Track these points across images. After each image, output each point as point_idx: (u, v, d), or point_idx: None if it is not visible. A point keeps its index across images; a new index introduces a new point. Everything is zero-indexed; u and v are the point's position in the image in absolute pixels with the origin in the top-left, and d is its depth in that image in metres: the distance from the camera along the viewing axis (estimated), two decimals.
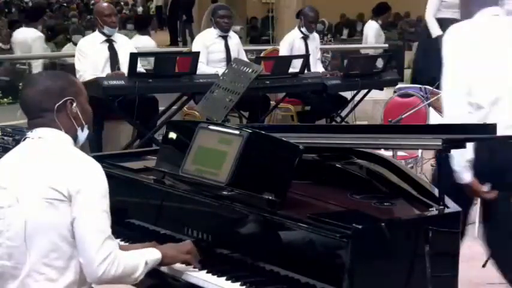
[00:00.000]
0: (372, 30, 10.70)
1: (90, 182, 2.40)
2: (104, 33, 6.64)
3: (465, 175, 3.27)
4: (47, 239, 2.38)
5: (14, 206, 2.41)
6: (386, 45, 10.45)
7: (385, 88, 7.80)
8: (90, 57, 6.53)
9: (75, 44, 8.33)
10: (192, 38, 9.68)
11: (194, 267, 2.69)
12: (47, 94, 2.49)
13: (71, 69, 6.91)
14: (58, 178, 2.38)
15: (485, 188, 3.31)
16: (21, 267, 2.41)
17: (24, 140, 2.53)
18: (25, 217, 2.39)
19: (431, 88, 6.36)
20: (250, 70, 5.25)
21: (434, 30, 7.80)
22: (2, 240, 2.44)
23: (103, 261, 2.37)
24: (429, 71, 6.68)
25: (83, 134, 2.58)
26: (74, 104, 2.52)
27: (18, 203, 2.40)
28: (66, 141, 2.50)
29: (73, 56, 6.92)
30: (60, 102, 2.49)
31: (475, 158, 3.24)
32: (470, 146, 3.19)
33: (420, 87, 6.57)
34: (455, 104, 3.32)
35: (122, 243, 2.92)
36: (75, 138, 2.55)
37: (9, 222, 2.42)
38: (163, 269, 2.68)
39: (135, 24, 11.11)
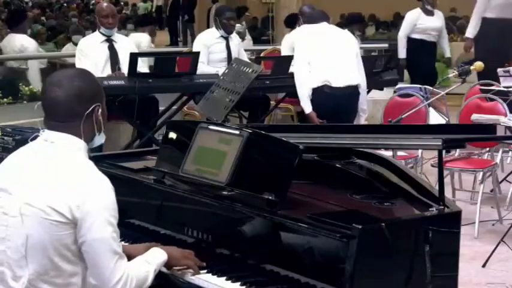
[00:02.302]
0: None
1: (99, 203, 2.30)
2: (102, 33, 6.64)
3: (306, 106, 6.00)
4: (47, 258, 2.31)
5: (17, 217, 2.34)
6: (387, 45, 10.43)
7: (385, 88, 7.79)
8: (91, 56, 6.53)
9: (75, 44, 8.34)
10: (194, 38, 9.71)
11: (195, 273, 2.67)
12: (80, 99, 2.38)
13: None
14: (61, 199, 2.27)
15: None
16: (18, 281, 2.36)
17: (35, 138, 2.45)
18: (27, 232, 2.32)
19: (431, 88, 6.37)
20: (250, 70, 5.26)
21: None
22: (3, 248, 2.38)
23: (117, 283, 2.33)
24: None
25: (99, 138, 2.49)
26: (100, 110, 2.44)
27: (20, 217, 2.33)
28: (79, 149, 2.40)
29: (73, 56, 6.92)
30: (90, 110, 2.40)
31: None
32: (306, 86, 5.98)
33: (420, 87, 6.58)
34: (300, 69, 6.01)
35: (123, 243, 2.92)
36: (89, 142, 2.46)
37: (11, 233, 2.36)
38: (164, 268, 2.68)
39: None
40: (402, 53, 9.07)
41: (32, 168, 2.38)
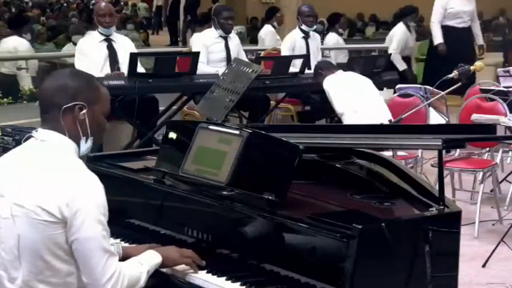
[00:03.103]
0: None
1: (88, 202, 2.29)
2: (100, 33, 6.65)
3: None
4: (40, 258, 2.31)
5: (9, 219, 2.34)
6: (387, 45, 10.42)
7: (385, 88, 7.79)
8: (90, 56, 6.52)
9: (75, 44, 8.34)
10: None
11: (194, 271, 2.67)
12: (60, 91, 2.38)
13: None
14: (51, 198, 2.28)
15: None
16: (14, 282, 2.35)
17: (28, 138, 2.45)
18: (18, 233, 2.32)
19: (431, 88, 6.36)
20: (250, 70, 5.26)
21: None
22: None
23: (108, 281, 2.32)
24: None
25: (85, 145, 2.46)
26: (84, 111, 2.40)
27: (12, 218, 2.33)
28: (69, 149, 2.40)
29: (73, 56, 6.92)
30: (69, 105, 2.39)
31: None
32: None
33: (420, 87, 6.57)
34: (341, 102, 6.01)
35: (122, 243, 2.92)
36: (76, 142, 2.43)
37: (4, 234, 2.36)
38: (164, 269, 2.67)
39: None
40: (438, 38, 8.65)
41: (21, 169, 2.38)
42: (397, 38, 9.66)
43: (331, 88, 6.17)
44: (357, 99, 6.03)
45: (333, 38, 10.20)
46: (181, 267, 2.69)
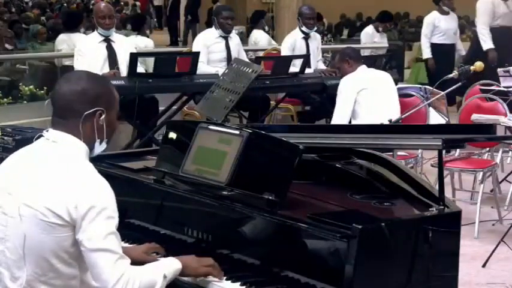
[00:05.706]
0: None
1: (97, 204, 2.27)
2: (100, 34, 6.65)
3: None
4: (44, 260, 2.30)
5: (15, 218, 2.33)
6: (387, 45, 10.42)
7: None
8: (89, 56, 6.52)
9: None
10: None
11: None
12: (82, 97, 2.37)
13: (71, 69, 6.93)
14: (59, 200, 2.27)
15: None
16: (16, 281, 2.35)
17: (39, 137, 2.43)
18: (24, 233, 2.31)
19: (431, 88, 6.36)
20: (250, 70, 5.26)
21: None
22: (1, 248, 2.37)
23: (117, 282, 2.28)
24: None
25: (100, 147, 2.47)
26: (103, 116, 2.41)
27: (19, 217, 2.32)
28: (80, 152, 2.39)
29: (73, 56, 6.92)
30: (90, 111, 2.38)
31: None
32: None
33: (420, 87, 6.57)
34: (343, 110, 5.77)
35: (122, 243, 2.92)
36: (91, 148, 2.44)
37: (10, 233, 2.35)
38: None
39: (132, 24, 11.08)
40: (488, 44, 8.56)
41: (31, 168, 2.37)
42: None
43: (344, 91, 5.81)
44: (360, 110, 5.73)
45: (431, 16, 9.13)
46: None
